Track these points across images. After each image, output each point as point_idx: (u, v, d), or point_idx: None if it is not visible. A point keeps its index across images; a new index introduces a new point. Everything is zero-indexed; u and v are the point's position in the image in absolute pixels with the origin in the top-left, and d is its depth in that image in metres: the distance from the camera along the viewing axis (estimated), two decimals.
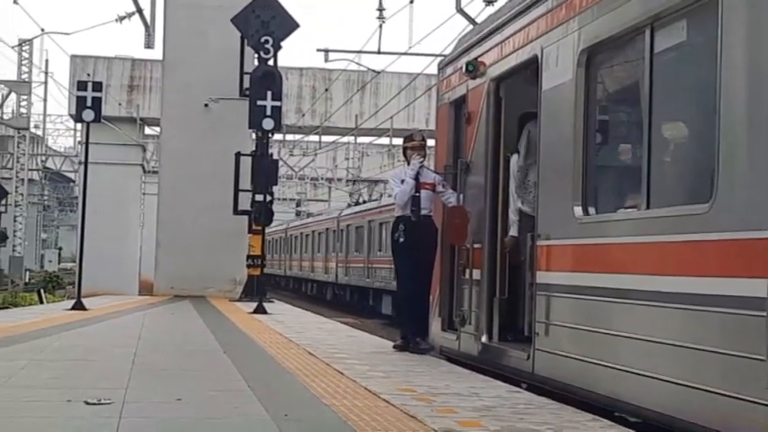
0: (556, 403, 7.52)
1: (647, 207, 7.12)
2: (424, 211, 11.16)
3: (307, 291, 55.02)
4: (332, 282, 46.90)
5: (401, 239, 11.18)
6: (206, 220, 26.68)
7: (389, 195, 42.52)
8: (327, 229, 48.28)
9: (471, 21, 22.53)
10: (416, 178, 11.18)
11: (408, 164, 11.39)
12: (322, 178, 64.14)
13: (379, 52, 34.49)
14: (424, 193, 11.19)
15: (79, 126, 48.66)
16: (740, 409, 5.79)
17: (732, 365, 5.88)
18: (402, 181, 11.21)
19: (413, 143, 11.46)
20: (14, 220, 59.41)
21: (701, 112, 6.82)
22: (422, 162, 11.35)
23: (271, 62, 21.67)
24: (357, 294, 41.52)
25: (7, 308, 32.04)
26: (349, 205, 48.54)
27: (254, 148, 23.75)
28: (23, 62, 57.19)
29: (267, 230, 25.67)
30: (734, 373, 5.87)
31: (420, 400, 7.36)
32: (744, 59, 6.03)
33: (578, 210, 8.11)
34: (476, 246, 10.53)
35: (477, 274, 10.45)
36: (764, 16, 5.89)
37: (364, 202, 46.11)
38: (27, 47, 57.22)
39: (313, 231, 52.59)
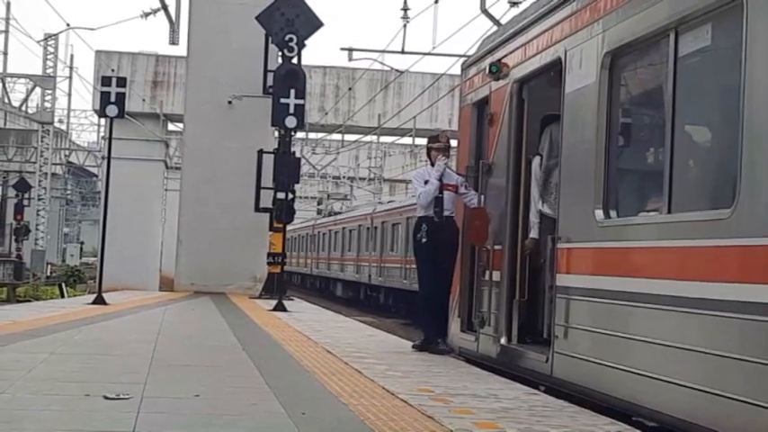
0: (573, 406, 7.51)
1: (669, 211, 7.09)
2: (446, 213, 11.13)
3: (295, 281, 65.21)
4: (308, 273, 61.35)
5: (423, 240, 11.15)
6: (227, 216, 26.68)
7: (349, 209, 51.77)
8: (307, 234, 61.99)
9: (495, 22, 22.48)
10: (440, 179, 11.16)
11: (432, 164, 11.36)
12: (344, 177, 64.22)
13: (402, 52, 34.39)
14: (446, 195, 11.15)
15: (103, 121, 48.82)
16: (759, 416, 5.76)
17: (752, 372, 5.85)
18: (426, 181, 11.18)
19: (438, 144, 11.39)
20: (37, 214, 59.69)
21: (725, 117, 6.80)
22: (446, 163, 11.32)
23: (294, 60, 21.66)
24: (323, 283, 56.28)
25: (29, 301, 32.27)
26: (324, 216, 61.44)
27: (276, 146, 23.73)
28: (48, 57, 57.59)
29: None
30: (754, 379, 5.85)
31: (437, 401, 7.36)
32: None
33: (599, 213, 8.09)
34: (496, 247, 10.51)
35: (497, 275, 10.43)
36: None
37: (335, 214, 57.57)
38: (52, 42, 57.61)
39: (299, 235, 65.39)
